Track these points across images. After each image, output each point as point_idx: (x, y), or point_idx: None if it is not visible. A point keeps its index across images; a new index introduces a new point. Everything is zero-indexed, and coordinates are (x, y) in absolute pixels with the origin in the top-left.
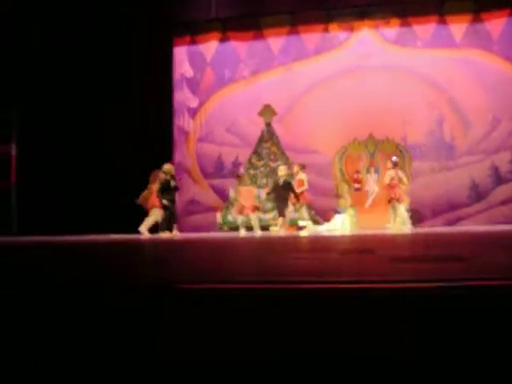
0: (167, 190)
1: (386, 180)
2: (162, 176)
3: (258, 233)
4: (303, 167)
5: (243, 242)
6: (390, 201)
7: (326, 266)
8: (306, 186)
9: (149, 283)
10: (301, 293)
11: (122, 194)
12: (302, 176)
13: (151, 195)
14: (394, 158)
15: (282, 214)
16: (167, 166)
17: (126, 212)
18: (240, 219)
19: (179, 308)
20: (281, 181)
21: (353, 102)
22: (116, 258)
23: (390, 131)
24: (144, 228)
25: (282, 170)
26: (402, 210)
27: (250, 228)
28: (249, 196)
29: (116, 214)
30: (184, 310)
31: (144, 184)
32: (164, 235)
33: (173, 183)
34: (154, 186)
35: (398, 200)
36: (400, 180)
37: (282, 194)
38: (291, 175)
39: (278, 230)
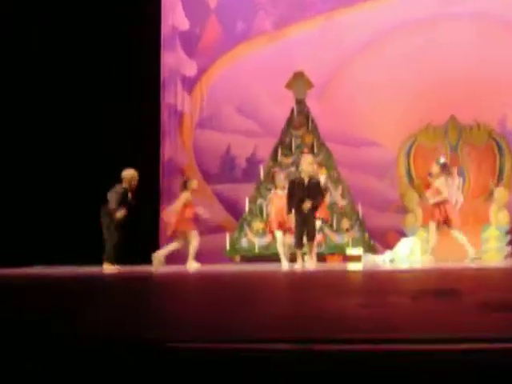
0: (121, 204)
1: (430, 197)
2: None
3: (284, 264)
4: (320, 165)
5: (264, 279)
6: (439, 223)
7: (388, 317)
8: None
9: (124, 340)
10: (351, 357)
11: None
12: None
13: (180, 215)
14: (442, 160)
15: (300, 235)
16: (127, 172)
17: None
18: (280, 246)
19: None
20: (304, 178)
21: (424, 69)
22: (70, 303)
23: (482, 112)
24: (161, 253)
25: (307, 162)
26: (458, 236)
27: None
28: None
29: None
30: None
31: (104, 192)
32: (108, 269)
33: (129, 196)
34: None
35: (448, 223)
36: (438, 192)
37: (302, 200)
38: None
39: (302, 263)
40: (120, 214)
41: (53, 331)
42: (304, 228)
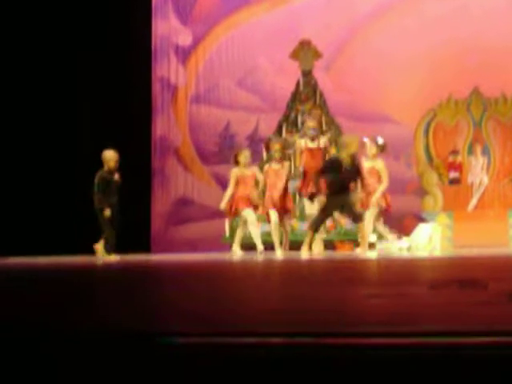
0: (106, 190)
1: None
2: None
3: (260, 247)
4: (383, 148)
5: (266, 268)
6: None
7: (406, 308)
8: (386, 181)
9: (114, 332)
10: (364, 352)
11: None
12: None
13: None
14: (381, 140)
15: (321, 220)
16: (108, 153)
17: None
18: (276, 229)
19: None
20: (342, 159)
21: (444, 37)
22: (63, 292)
23: (508, 84)
24: (236, 246)
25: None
26: (369, 220)
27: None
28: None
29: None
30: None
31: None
32: (101, 258)
33: (116, 177)
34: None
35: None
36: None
37: (343, 183)
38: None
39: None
40: (106, 212)
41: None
42: (329, 214)
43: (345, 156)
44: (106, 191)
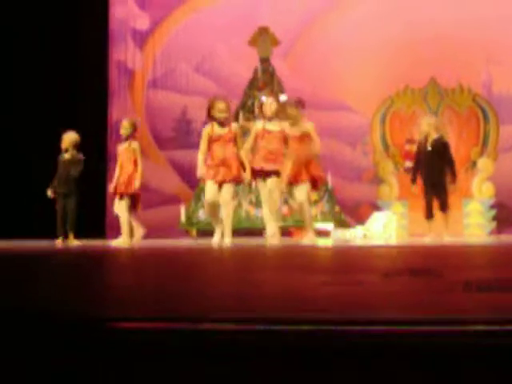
0: (58, 171)
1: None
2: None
3: (227, 240)
4: (300, 104)
5: (220, 254)
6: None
7: (359, 295)
8: (317, 146)
9: (61, 317)
10: (316, 339)
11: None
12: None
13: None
14: (283, 97)
15: (445, 203)
16: (69, 135)
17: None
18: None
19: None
20: (431, 141)
21: (402, 26)
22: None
23: (465, 74)
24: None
25: (427, 122)
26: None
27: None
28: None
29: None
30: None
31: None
32: (59, 243)
33: (66, 157)
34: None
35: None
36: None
37: (437, 165)
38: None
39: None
40: (48, 192)
41: None
42: (433, 197)
43: (427, 138)
44: (57, 173)
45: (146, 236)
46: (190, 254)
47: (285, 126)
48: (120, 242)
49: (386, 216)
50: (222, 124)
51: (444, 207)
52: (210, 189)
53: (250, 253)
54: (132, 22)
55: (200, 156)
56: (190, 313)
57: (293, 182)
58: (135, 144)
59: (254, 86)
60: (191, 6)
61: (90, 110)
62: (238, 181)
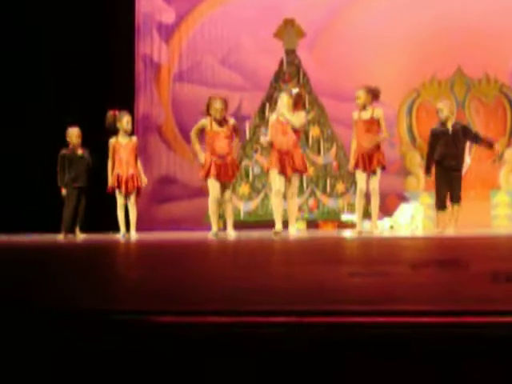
0: (70, 168)
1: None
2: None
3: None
4: (371, 92)
5: (250, 247)
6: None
7: (386, 287)
8: (385, 133)
9: (78, 310)
10: (345, 330)
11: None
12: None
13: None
14: (295, 90)
15: (458, 195)
16: (77, 131)
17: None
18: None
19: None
20: (447, 125)
21: (429, 16)
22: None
23: (492, 64)
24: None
25: (447, 105)
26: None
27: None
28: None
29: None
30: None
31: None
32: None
33: (81, 154)
34: None
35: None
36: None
37: (457, 151)
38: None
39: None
40: (62, 191)
41: None
42: (447, 187)
43: (447, 122)
44: (67, 169)
45: (173, 229)
46: (216, 247)
47: (301, 115)
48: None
49: (413, 207)
50: (219, 123)
51: (457, 199)
52: (213, 187)
53: (275, 246)
54: (158, 16)
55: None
56: (221, 306)
57: (364, 168)
58: (135, 138)
59: (279, 78)
60: None
61: (117, 103)
62: (235, 178)
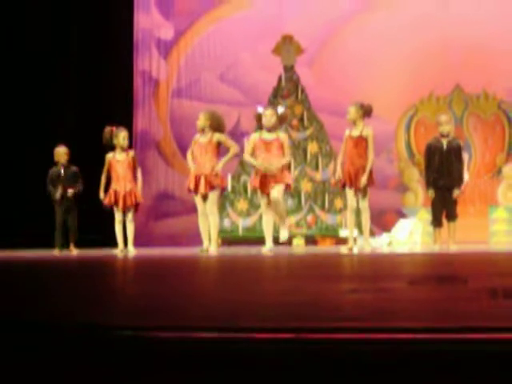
0: (55, 183)
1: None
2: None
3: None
4: (363, 108)
5: (248, 263)
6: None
7: (385, 303)
8: (371, 155)
9: (73, 325)
10: (342, 347)
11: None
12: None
13: None
14: (281, 109)
15: (454, 212)
16: (61, 150)
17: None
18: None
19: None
20: (442, 141)
21: (427, 34)
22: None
23: (490, 81)
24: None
25: (443, 120)
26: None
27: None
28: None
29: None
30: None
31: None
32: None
33: (73, 169)
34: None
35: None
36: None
37: (453, 167)
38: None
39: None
40: (57, 194)
41: None
42: (442, 205)
43: (441, 138)
44: (54, 185)
45: (171, 244)
46: (215, 263)
47: (281, 134)
48: (132, 251)
49: (412, 223)
50: (203, 133)
51: (452, 217)
52: (199, 201)
53: (274, 262)
54: (156, 32)
55: (188, 156)
56: (217, 322)
57: (350, 185)
58: (133, 153)
59: (278, 95)
60: (215, 15)
61: (116, 119)
62: (216, 189)
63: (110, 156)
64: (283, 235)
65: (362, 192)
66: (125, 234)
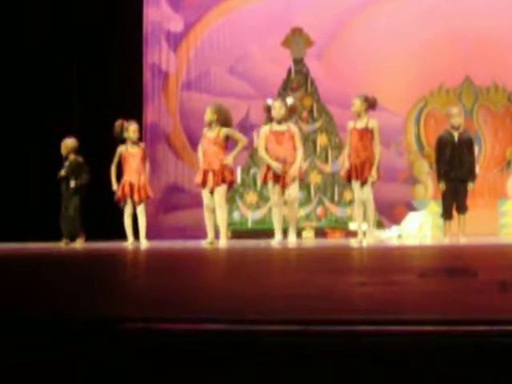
0: (76, 172)
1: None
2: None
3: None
4: (368, 101)
5: (256, 255)
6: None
7: (395, 296)
8: (378, 147)
9: (82, 318)
10: (352, 340)
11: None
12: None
13: None
14: (290, 100)
15: (464, 204)
16: (68, 141)
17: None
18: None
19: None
20: (453, 133)
21: (436, 26)
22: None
23: (500, 73)
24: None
25: (454, 113)
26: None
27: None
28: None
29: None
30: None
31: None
32: (64, 245)
33: (77, 159)
34: None
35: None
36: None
37: (465, 160)
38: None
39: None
40: (72, 184)
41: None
42: (453, 197)
43: (453, 130)
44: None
45: (181, 237)
46: (224, 256)
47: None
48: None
49: (422, 216)
50: (210, 127)
51: (463, 209)
52: (206, 195)
53: (283, 254)
54: (166, 25)
55: (199, 150)
56: (225, 314)
57: (356, 177)
58: (143, 145)
59: (287, 87)
60: (224, 7)
61: (126, 112)
62: (225, 183)
63: (122, 149)
64: (291, 239)
65: (366, 184)
66: (135, 227)
